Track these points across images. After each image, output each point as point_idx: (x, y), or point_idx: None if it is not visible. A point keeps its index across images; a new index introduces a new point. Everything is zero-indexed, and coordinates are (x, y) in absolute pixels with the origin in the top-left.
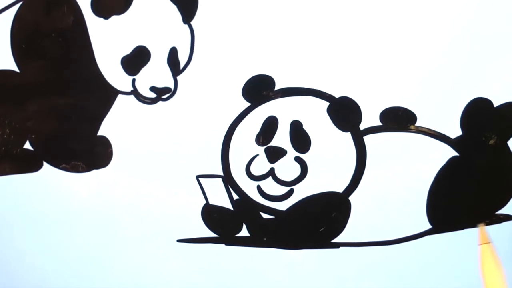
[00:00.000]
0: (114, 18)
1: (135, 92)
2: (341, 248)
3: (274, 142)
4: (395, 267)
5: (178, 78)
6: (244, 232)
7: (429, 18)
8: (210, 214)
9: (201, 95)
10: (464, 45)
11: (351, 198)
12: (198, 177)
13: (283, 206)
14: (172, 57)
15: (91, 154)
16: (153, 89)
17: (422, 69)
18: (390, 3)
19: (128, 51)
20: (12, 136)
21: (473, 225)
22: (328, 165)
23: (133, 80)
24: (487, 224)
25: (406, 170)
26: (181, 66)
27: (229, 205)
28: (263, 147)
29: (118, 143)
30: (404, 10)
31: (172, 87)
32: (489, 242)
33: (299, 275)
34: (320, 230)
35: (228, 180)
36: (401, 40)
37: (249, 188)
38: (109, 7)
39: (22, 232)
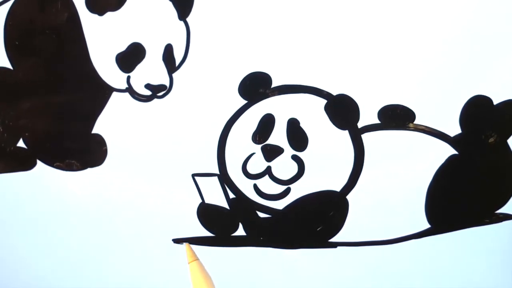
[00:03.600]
0: (108, 14)
1: (130, 90)
2: (338, 247)
3: (271, 140)
4: (393, 267)
5: (174, 75)
6: (240, 231)
7: (429, 17)
8: (206, 213)
9: (197, 92)
10: (464, 43)
11: (349, 197)
12: (193, 175)
13: (280, 205)
14: (168, 54)
15: (85, 152)
16: (148, 86)
17: (421, 67)
18: (390, 1)
19: (123, 48)
20: (5, 134)
21: (473, 224)
22: (325, 163)
23: (128, 78)
24: (488, 223)
25: (404, 169)
26: (177, 63)
27: (225, 204)
28: (260, 145)
29: (112, 141)
30: (404, 8)
31: (168, 85)
32: (196, 259)
33: (296, 275)
34: (318, 229)
35: (224, 178)
36: (401, 38)
37: (246, 186)
38: (104, 4)
39: (16, 231)
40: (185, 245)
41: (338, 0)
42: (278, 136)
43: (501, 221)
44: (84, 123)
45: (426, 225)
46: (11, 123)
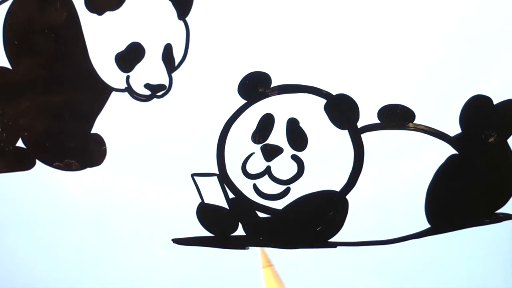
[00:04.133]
0: (108, 14)
1: (129, 89)
2: (338, 247)
3: (271, 140)
4: (393, 267)
5: (173, 75)
6: (240, 231)
7: (428, 15)
8: (206, 213)
9: (196, 92)
10: (463, 43)
11: (348, 196)
12: (193, 175)
13: (279, 205)
14: (167, 54)
15: (84, 152)
16: (147, 86)
17: (421, 67)
18: (389, 1)
19: (122, 47)
20: (4, 134)
21: (473, 224)
22: (325, 163)
23: (127, 77)
24: (488, 223)
25: (404, 169)
26: (176, 63)
27: (224, 204)
28: (259, 145)
29: (112, 141)
30: (403, 6)
31: (167, 84)
32: (271, 265)
33: (296, 275)
34: (317, 229)
35: (223, 178)
36: (400, 37)
37: (245, 186)
38: (103, 3)
39: (15, 231)
40: (260, 250)
41: (338, 0)
42: (278, 136)
43: (501, 221)
44: (83, 123)
45: (426, 225)
46: (10, 123)
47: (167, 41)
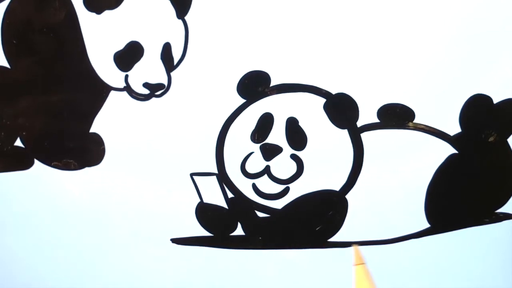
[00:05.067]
0: (106, 13)
1: (128, 89)
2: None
3: (270, 139)
4: (392, 266)
5: (172, 74)
6: (239, 230)
7: (428, 14)
8: (205, 212)
9: (195, 91)
10: (463, 42)
11: (348, 196)
12: (192, 175)
13: (278, 204)
14: (166, 53)
15: (83, 151)
16: (146, 85)
17: (421, 66)
18: (389, 0)
19: (121, 46)
20: (2, 133)
21: (473, 224)
22: (324, 163)
23: (126, 76)
24: (487, 223)
25: (404, 168)
26: (175, 62)
27: (224, 204)
28: (259, 145)
29: (110, 140)
30: (404, 7)
31: (166, 84)
32: (363, 263)
33: (296, 275)
34: (317, 229)
35: (222, 178)
36: (400, 36)
37: (244, 186)
38: (102, 2)
39: (13, 231)
40: (353, 247)
41: (338, 0)
42: (277, 135)
43: (501, 221)
44: (82, 122)
45: (426, 225)
46: (8, 122)
47: (166, 40)
